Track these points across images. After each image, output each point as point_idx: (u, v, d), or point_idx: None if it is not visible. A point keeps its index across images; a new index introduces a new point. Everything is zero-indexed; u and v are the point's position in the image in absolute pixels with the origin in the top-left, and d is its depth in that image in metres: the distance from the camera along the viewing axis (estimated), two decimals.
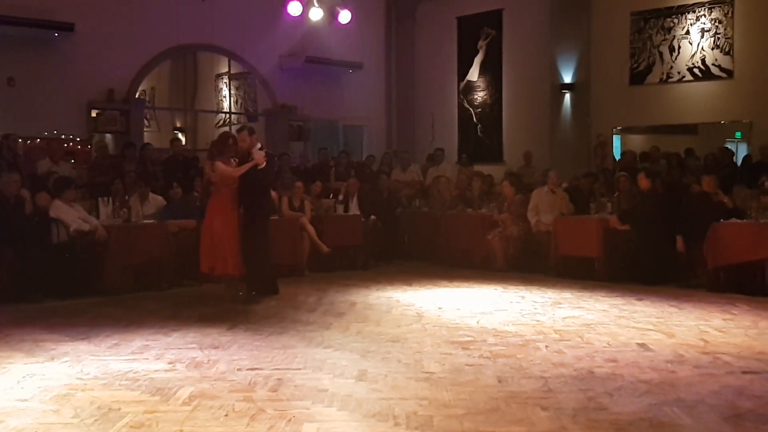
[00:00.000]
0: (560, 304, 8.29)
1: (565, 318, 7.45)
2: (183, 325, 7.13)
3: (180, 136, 15.25)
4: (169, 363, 5.69)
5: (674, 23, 13.01)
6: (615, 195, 10.54)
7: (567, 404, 4.59)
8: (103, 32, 12.55)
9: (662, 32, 13.15)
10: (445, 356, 5.86)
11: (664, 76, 13.16)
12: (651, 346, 6.17)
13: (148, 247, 9.41)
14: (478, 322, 7.24)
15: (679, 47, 12.96)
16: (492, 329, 6.91)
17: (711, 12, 12.60)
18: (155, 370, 5.46)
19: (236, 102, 15.64)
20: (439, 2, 15.89)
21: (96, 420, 4.36)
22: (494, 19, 15.10)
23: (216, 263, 8.40)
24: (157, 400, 4.73)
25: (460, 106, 15.77)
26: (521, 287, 9.45)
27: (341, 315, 7.70)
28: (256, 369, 5.48)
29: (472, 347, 6.16)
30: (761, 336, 6.60)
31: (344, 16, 13.52)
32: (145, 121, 14.56)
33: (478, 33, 15.37)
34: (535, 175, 12.79)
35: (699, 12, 12.73)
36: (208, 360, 5.78)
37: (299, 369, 5.48)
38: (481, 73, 15.41)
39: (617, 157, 13.68)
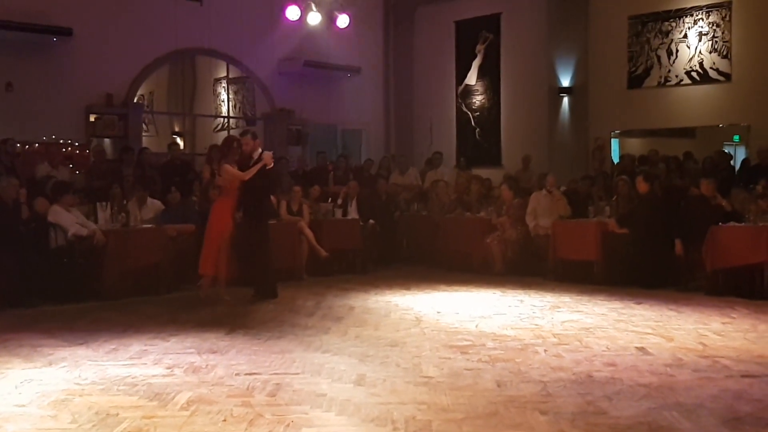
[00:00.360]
0: (559, 307, 8.29)
1: (564, 322, 7.44)
2: (181, 330, 7.13)
3: (178, 140, 15.21)
4: (168, 368, 5.68)
5: (672, 27, 13.03)
6: (613, 198, 10.52)
7: (566, 408, 4.59)
8: (102, 37, 12.54)
9: (660, 36, 13.16)
10: (444, 360, 5.86)
11: (662, 80, 13.17)
12: (650, 350, 6.16)
13: (146, 252, 9.40)
14: (476, 326, 7.24)
15: (677, 51, 12.97)
16: (491, 333, 6.91)
17: (709, 15, 12.62)
18: (153, 375, 5.45)
19: (235, 106, 15.62)
20: (437, 6, 15.89)
21: (94, 425, 4.35)
22: (492, 23, 15.09)
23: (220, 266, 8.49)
24: (155, 405, 4.72)
25: (459, 109, 15.75)
26: (520, 291, 9.44)
27: (340, 319, 7.70)
28: (254, 374, 5.47)
29: (470, 351, 6.15)
30: (760, 339, 6.59)
31: (342, 21, 13.51)
32: (144, 126, 14.57)
33: (476, 37, 15.36)
34: (534, 178, 12.78)
35: (697, 15, 12.75)
36: (207, 365, 5.77)
37: (297, 373, 5.47)
38: (480, 76, 15.40)
39: (615, 160, 13.72)
